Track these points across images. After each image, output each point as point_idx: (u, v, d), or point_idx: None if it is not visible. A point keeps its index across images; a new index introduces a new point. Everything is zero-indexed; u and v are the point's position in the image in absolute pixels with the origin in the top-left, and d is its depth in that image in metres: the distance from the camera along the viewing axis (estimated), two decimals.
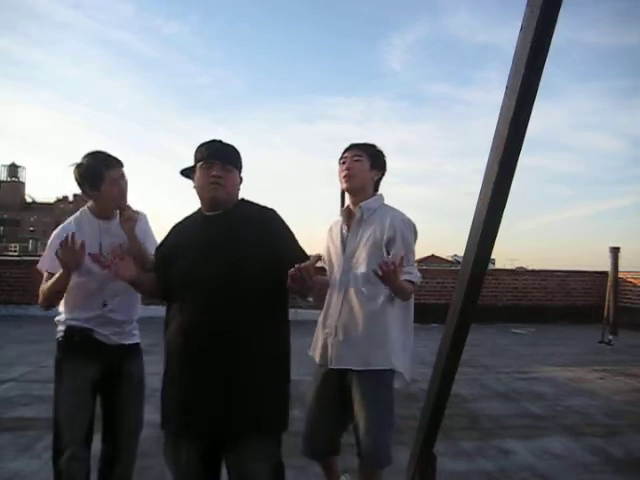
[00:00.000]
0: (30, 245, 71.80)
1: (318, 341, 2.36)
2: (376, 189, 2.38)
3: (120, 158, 2.16)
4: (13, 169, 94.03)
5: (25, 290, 9.55)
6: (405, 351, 2.27)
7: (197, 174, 1.79)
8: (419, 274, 2.20)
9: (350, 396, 2.24)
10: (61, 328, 2.16)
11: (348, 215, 2.36)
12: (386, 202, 2.36)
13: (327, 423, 2.31)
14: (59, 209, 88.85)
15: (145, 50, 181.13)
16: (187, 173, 1.84)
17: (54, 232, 2.17)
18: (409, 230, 2.24)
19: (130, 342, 2.22)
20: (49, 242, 2.14)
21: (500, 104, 1.46)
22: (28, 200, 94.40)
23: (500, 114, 1.46)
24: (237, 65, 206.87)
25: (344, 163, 2.32)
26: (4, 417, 3.85)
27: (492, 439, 3.63)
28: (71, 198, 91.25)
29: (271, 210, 1.84)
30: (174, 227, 1.93)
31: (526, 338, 8.74)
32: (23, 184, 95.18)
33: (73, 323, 2.13)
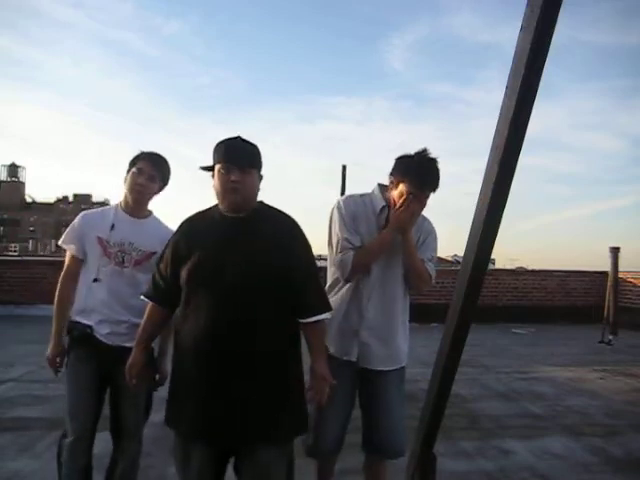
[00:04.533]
0: (30, 245, 71.81)
1: (337, 333, 2.19)
2: None
3: (158, 157, 2.31)
4: (13, 169, 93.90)
5: (25, 290, 9.56)
6: None
7: (216, 175, 1.75)
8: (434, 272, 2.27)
9: (366, 392, 2.23)
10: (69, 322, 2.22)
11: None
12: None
13: (339, 422, 2.22)
14: (59, 209, 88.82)
15: (145, 50, 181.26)
16: (208, 168, 1.79)
17: (82, 212, 2.29)
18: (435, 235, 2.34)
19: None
20: (75, 222, 2.23)
21: (500, 104, 1.47)
22: (28, 200, 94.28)
23: (500, 114, 1.46)
24: (237, 65, 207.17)
25: None
26: (4, 417, 3.85)
27: (492, 439, 3.63)
28: (71, 198, 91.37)
29: (290, 218, 1.84)
30: (187, 222, 1.86)
31: (526, 338, 8.74)
32: (23, 184, 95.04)
33: (74, 318, 2.19)
